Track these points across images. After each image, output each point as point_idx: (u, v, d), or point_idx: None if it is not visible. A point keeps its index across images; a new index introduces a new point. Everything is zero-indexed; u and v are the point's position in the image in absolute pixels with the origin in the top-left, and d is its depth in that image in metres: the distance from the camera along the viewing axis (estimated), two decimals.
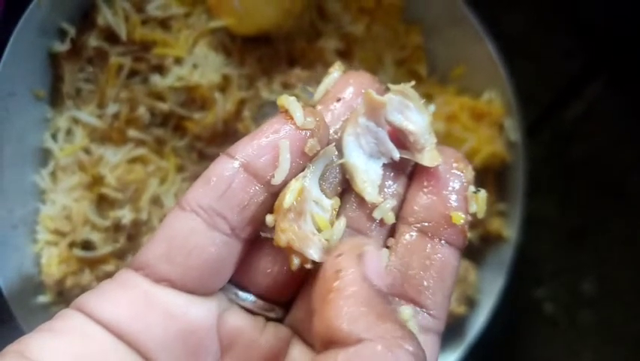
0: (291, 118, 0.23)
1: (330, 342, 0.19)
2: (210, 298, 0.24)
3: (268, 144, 0.23)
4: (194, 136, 0.45)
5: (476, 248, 0.50)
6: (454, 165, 0.25)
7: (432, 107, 0.26)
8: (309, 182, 0.23)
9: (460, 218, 0.24)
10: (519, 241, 0.49)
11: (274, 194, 0.23)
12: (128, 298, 0.22)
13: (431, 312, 0.24)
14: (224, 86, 0.45)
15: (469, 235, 0.24)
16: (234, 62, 0.45)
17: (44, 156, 0.46)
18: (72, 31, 0.44)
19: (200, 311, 0.23)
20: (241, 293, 0.25)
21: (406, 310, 0.23)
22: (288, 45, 0.47)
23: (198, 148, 0.46)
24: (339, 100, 0.25)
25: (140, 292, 0.22)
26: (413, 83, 0.25)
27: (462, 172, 0.25)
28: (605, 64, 0.57)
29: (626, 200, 0.56)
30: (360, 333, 0.19)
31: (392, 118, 0.25)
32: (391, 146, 0.25)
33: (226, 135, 0.45)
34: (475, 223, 0.50)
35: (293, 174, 0.23)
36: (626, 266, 0.56)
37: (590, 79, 0.57)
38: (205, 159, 0.46)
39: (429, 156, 0.24)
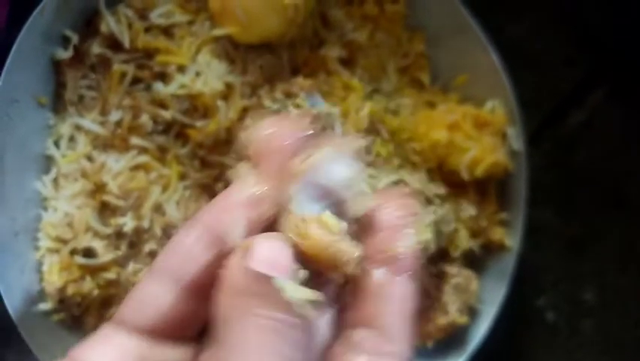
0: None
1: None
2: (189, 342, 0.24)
3: None
4: (197, 144, 0.45)
5: (478, 257, 0.50)
6: (391, 205, 0.25)
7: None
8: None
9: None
10: (521, 250, 0.49)
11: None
12: (108, 350, 0.23)
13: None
14: (226, 94, 0.45)
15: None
16: (237, 70, 0.45)
17: (46, 163, 0.46)
18: (75, 38, 0.44)
19: (177, 354, 0.24)
20: None
21: None
22: (291, 53, 0.47)
23: (200, 156, 0.46)
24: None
25: (117, 343, 0.23)
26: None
27: (401, 211, 0.25)
28: (606, 73, 0.57)
29: (627, 209, 0.56)
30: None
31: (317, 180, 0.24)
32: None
33: (228, 143, 0.45)
34: (477, 232, 0.50)
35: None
36: (627, 275, 0.56)
37: (592, 88, 0.57)
38: (207, 166, 0.46)
39: (355, 204, 0.24)
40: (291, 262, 0.22)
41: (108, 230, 0.44)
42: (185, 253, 0.23)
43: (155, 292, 0.24)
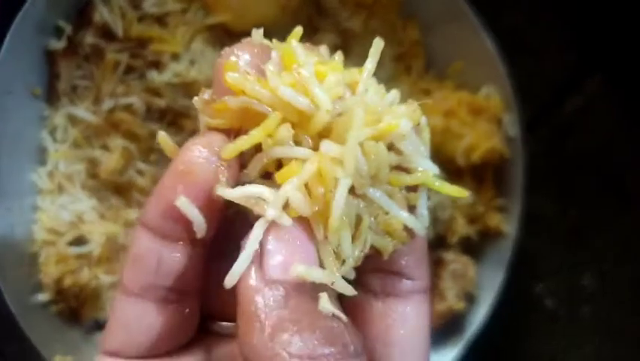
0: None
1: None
2: (190, 347, 0.24)
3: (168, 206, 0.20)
4: (190, 132, 0.45)
5: (475, 244, 0.50)
6: None
7: None
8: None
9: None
10: (518, 237, 0.49)
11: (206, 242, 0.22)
12: None
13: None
14: None
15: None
16: None
17: (42, 154, 0.46)
18: (68, 28, 0.44)
19: None
20: (223, 323, 0.24)
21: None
22: (285, 41, 0.47)
23: None
24: None
25: None
26: None
27: None
28: (603, 59, 0.57)
29: (625, 194, 0.56)
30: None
31: None
32: None
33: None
34: (474, 219, 0.50)
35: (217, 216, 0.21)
36: (626, 261, 0.56)
37: (589, 74, 0.57)
38: None
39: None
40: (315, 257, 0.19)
41: (101, 221, 0.44)
42: (148, 257, 0.21)
43: (137, 314, 0.22)
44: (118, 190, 0.46)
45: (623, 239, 0.57)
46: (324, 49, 0.23)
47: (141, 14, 0.45)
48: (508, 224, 0.50)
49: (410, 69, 0.52)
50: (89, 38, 0.44)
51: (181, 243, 0.21)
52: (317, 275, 0.18)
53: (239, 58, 0.20)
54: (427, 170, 0.21)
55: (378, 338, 0.22)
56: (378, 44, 0.21)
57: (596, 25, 0.57)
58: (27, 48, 0.43)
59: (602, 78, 0.57)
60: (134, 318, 0.22)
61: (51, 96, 0.46)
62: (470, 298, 0.49)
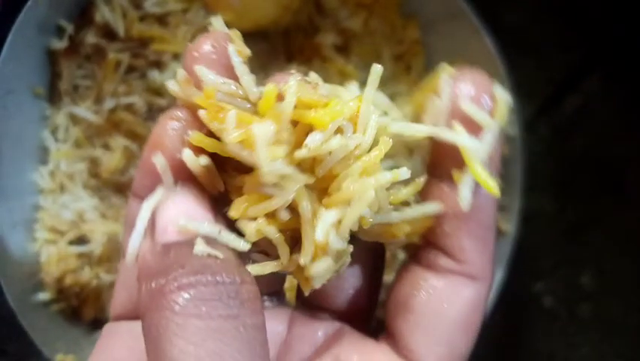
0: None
1: None
2: None
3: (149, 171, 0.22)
4: None
5: None
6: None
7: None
8: None
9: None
10: (517, 235, 0.49)
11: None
12: (118, 344, 0.23)
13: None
14: None
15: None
16: None
17: (43, 154, 0.46)
18: (70, 28, 0.44)
19: None
20: None
21: None
22: (286, 40, 0.47)
23: None
24: None
25: (125, 332, 0.23)
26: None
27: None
28: (603, 58, 0.57)
29: (624, 193, 0.56)
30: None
31: None
32: None
33: None
34: None
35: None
36: (624, 259, 0.56)
37: (588, 73, 0.57)
38: None
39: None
40: (206, 214, 0.21)
41: (103, 220, 0.44)
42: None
43: (134, 272, 0.22)
44: (119, 190, 0.46)
45: (622, 237, 0.57)
46: (315, 76, 0.23)
47: (142, 14, 0.45)
48: (507, 223, 0.50)
49: (410, 68, 0.52)
50: (91, 38, 0.44)
51: None
52: (196, 226, 0.20)
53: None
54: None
55: (400, 300, 0.23)
56: (376, 71, 0.22)
57: (596, 25, 0.57)
58: (29, 48, 0.43)
59: (602, 78, 0.58)
60: (133, 278, 0.23)
61: (53, 96, 0.46)
62: None
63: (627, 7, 0.54)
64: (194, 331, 0.18)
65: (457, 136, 0.22)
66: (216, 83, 0.21)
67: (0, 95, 0.42)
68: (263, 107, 0.21)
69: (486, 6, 0.49)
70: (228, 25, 0.22)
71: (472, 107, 0.22)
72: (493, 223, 0.24)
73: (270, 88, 0.21)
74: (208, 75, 0.21)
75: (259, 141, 0.19)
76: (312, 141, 0.20)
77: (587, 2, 0.56)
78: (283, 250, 0.20)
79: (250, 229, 0.20)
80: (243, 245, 0.21)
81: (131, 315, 0.24)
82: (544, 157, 0.57)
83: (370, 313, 0.26)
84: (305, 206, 0.20)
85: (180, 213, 0.20)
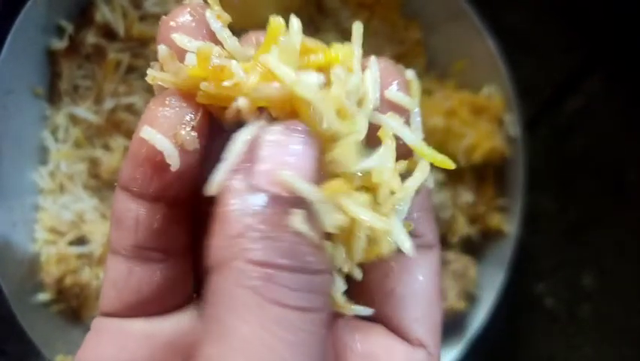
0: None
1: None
2: (187, 307, 0.24)
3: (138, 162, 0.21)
4: None
5: (476, 244, 0.50)
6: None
7: None
8: None
9: None
10: (519, 236, 0.49)
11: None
12: (108, 342, 0.23)
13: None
14: None
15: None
16: None
17: (43, 154, 0.46)
18: (70, 28, 0.44)
19: (175, 323, 0.23)
20: None
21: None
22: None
23: None
24: None
25: (115, 330, 0.23)
26: None
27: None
28: (604, 58, 0.57)
29: (625, 194, 0.56)
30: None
31: None
32: None
33: None
34: (474, 219, 0.50)
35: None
36: (625, 260, 0.56)
37: (589, 73, 0.57)
38: None
39: None
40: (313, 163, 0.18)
41: (103, 220, 0.44)
42: (126, 217, 0.21)
43: (124, 274, 0.22)
44: None
45: (623, 238, 0.57)
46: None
47: (142, 14, 0.45)
48: (508, 224, 0.50)
49: (411, 69, 0.52)
50: (91, 38, 0.44)
51: (158, 203, 0.21)
52: (302, 187, 0.17)
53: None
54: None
55: (382, 289, 0.23)
56: (358, 28, 0.21)
57: (597, 25, 0.57)
58: (29, 48, 0.43)
59: (603, 78, 0.57)
60: (122, 278, 0.22)
61: (53, 96, 0.46)
62: (471, 298, 0.49)
63: (628, 8, 0.54)
64: (275, 319, 0.17)
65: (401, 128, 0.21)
66: (205, 48, 0.19)
67: (0, 95, 0.41)
68: (268, 40, 0.19)
69: (487, 7, 0.49)
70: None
71: (398, 93, 0.22)
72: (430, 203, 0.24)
73: (275, 20, 0.20)
74: (193, 42, 0.20)
75: (276, 61, 0.18)
76: (337, 74, 0.19)
77: (588, 3, 0.56)
78: None
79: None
80: (333, 220, 0.18)
81: (120, 314, 0.23)
82: (545, 158, 0.57)
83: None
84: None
85: (288, 161, 0.18)
